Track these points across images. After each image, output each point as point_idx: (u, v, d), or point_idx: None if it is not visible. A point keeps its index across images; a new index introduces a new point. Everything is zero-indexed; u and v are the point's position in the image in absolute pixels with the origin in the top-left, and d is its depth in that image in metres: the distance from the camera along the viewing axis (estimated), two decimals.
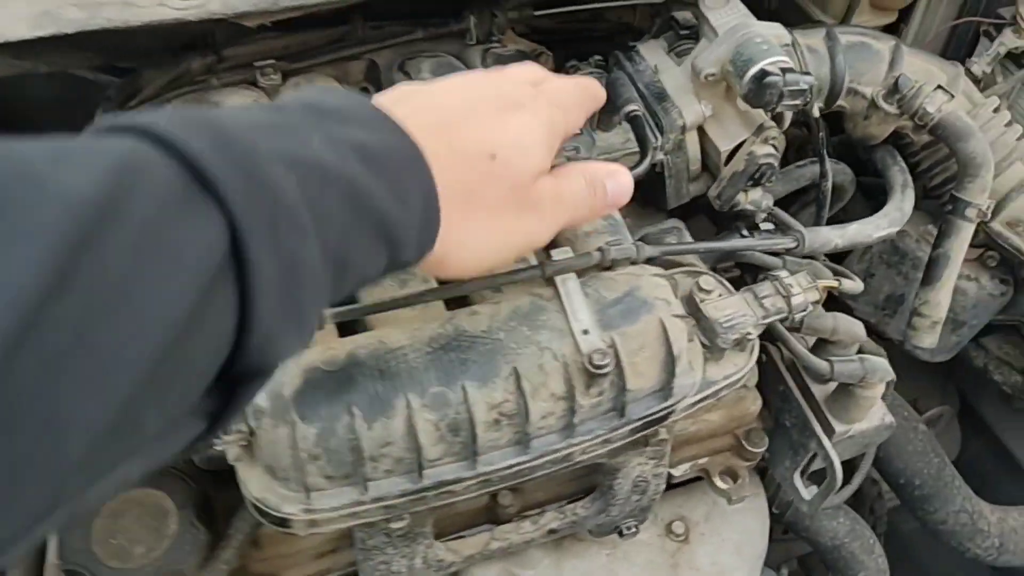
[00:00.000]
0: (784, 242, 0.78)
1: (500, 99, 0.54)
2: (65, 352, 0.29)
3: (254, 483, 0.64)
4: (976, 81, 1.01)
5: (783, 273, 0.74)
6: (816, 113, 0.81)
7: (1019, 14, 0.98)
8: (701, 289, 0.73)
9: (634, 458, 0.79)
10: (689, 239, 0.87)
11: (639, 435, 0.71)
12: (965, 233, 0.87)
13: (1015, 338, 1.09)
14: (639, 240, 0.86)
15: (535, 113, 0.55)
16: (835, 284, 0.77)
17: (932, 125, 0.85)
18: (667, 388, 0.68)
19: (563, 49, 0.96)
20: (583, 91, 0.61)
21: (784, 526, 1.11)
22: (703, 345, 0.72)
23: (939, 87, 0.83)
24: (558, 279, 0.67)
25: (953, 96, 0.84)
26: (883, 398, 1.01)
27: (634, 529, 0.88)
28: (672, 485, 0.99)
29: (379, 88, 0.87)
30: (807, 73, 0.77)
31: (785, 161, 0.91)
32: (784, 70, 0.76)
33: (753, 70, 0.76)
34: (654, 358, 0.67)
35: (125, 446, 0.34)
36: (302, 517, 0.63)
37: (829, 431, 0.87)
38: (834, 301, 1.09)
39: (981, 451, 1.48)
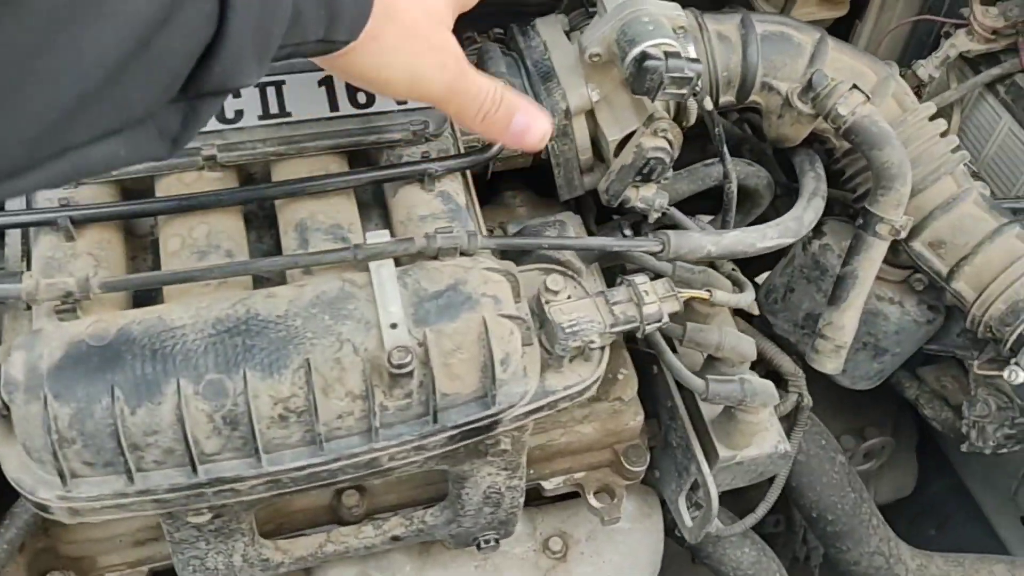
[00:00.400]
0: (646, 244, 0.70)
1: None
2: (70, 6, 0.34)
3: (12, 462, 0.58)
4: (922, 85, 0.92)
5: (640, 278, 0.66)
6: (709, 106, 0.73)
7: (973, 16, 0.89)
8: (548, 289, 0.66)
9: (482, 467, 0.72)
10: (574, 233, 0.80)
11: (464, 444, 0.64)
12: (875, 252, 0.79)
13: (957, 371, 1.00)
14: (519, 232, 0.79)
15: None
16: (702, 295, 0.69)
17: (845, 128, 0.76)
18: (489, 395, 0.61)
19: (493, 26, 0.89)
20: None
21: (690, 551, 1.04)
22: (545, 350, 0.66)
23: (855, 87, 0.75)
24: (372, 265, 0.61)
25: (869, 98, 0.75)
26: (797, 424, 0.93)
27: (492, 542, 0.81)
28: (555, 498, 0.93)
29: None
30: (695, 60, 0.69)
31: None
32: (668, 54, 0.68)
33: (634, 52, 0.69)
34: (472, 361, 0.60)
35: (111, 114, 0.38)
36: (60, 504, 0.57)
37: (712, 456, 0.80)
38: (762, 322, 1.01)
39: (941, 489, 1.39)
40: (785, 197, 0.93)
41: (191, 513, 0.64)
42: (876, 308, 0.88)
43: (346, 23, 0.50)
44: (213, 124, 0.66)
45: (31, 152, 0.37)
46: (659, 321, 0.65)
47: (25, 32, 0.33)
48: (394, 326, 0.59)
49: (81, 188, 0.66)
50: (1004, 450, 0.89)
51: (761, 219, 0.93)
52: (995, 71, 0.91)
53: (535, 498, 0.86)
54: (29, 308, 0.61)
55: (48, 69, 0.35)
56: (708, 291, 0.70)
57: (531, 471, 0.81)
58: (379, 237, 0.62)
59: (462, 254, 0.63)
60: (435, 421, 0.61)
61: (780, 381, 0.95)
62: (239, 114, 0.68)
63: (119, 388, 0.55)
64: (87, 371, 0.56)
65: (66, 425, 0.55)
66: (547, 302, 0.65)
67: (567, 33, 0.80)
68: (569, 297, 0.66)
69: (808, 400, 0.92)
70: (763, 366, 0.95)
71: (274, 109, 0.68)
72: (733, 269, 0.84)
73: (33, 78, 0.34)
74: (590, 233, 0.85)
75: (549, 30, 0.80)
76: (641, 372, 0.83)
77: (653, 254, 0.70)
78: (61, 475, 0.56)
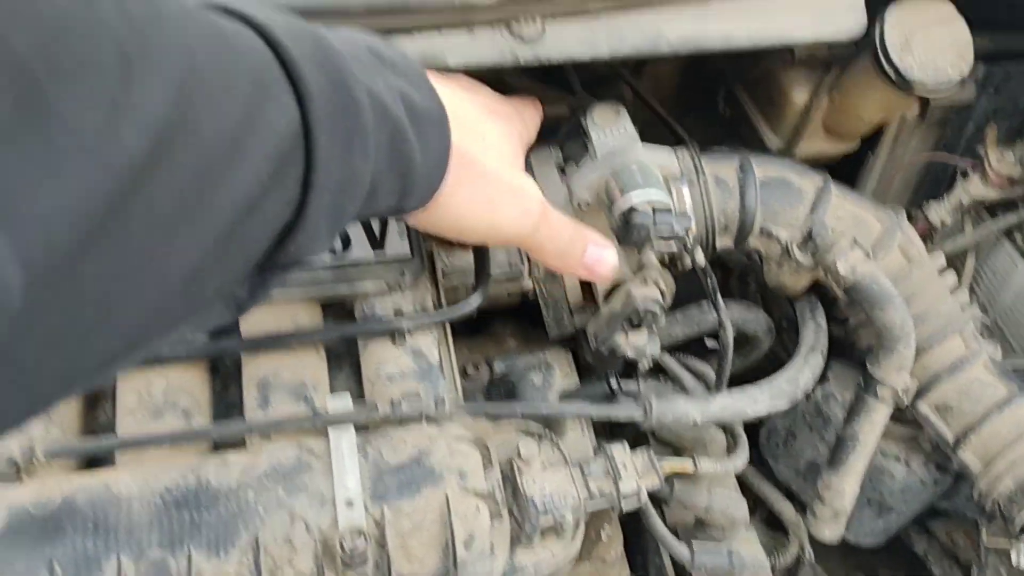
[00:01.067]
0: (628, 411, 0.67)
1: (489, 106, 0.62)
2: (167, 211, 0.33)
3: None
4: (933, 230, 0.89)
5: (618, 449, 0.63)
6: (701, 260, 0.70)
7: (987, 162, 0.86)
8: (520, 456, 0.62)
9: None
10: (561, 376, 0.77)
11: None
12: (877, 415, 0.75)
13: (969, 526, 0.95)
14: (501, 378, 0.77)
15: (509, 123, 0.62)
16: (685, 469, 0.66)
17: (845, 287, 0.73)
18: None
19: None
20: (536, 111, 0.68)
21: None
22: (516, 522, 0.62)
23: (855, 243, 0.72)
24: (332, 432, 0.58)
25: (869, 255, 0.72)
26: None
27: None
28: None
29: None
30: (685, 215, 0.66)
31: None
32: (656, 210, 0.66)
33: (622, 205, 0.66)
34: (432, 542, 0.57)
35: (188, 305, 0.37)
36: None
37: None
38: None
39: None
40: (792, 332, 0.90)
41: None
42: (882, 465, 0.83)
43: (419, 192, 0.51)
44: None
45: (104, 363, 0.35)
46: (637, 498, 0.62)
47: (115, 258, 0.32)
48: (350, 504, 0.56)
49: None
50: None
51: (765, 356, 0.90)
52: (1011, 218, 0.87)
53: None
54: None
55: (134, 287, 0.34)
56: (694, 462, 0.66)
57: None
58: (340, 401, 0.59)
59: (429, 419, 0.60)
60: None
61: (782, 527, 0.91)
62: None
63: (58, 563, 0.53)
64: (28, 542, 0.53)
65: None
66: (519, 471, 0.62)
67: (561, 167, 0.78)
68: (544, 464, 0.62)
69: (810, 554, 0.87)
70: (764, 509, 0.90)
71: None
72: None
73: (119, 298, 0.33)
74: (580, 369, 0.82)
75: (541, 166, 0.77)
76: (630, 521, 0.79)
77: (635, 422, 0.67)
78: None
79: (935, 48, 0.77)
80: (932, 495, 0.85)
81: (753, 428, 0.90)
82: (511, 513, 0.62)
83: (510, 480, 0.63)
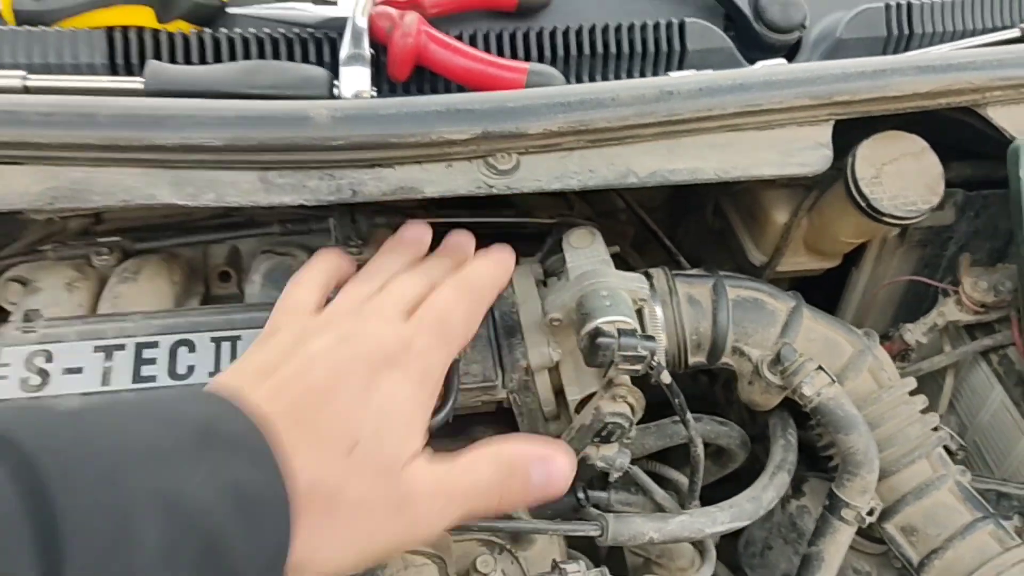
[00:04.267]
0: (583, 529, 0.69)
1: (370, 357, 0.52)
2: None
3: None
4: (909, 349, 0.90)
5: (573, 568, 0.65)
6: (667, 380, 0.73)
7: (963, 290, 0.88)
8: (476, 571, 0.65)
9: None
10: None
11: None
12: (841, 536, 0.76)
13: None
14: None
15: (407, 369, 0.53)
16: None
17: (811, 408, 0.75)
18: None
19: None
20: (500, 264, 0.64)
21: None
22: None
23: (820, 368, 0.74)
24: None
25: (834, 381, 0.74)
26: None
27: None
28: None
29: (239, 272, 0.84)
30: (650, 338, 0.69)
31: None
32: (622, 332, 0.69)
33: (588, 327, 0.70)
34: None
35: None
36: None
37: None
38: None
39: None
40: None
41: None
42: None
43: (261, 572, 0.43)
44: None
45: None
46: None
47: None
48: None
49: None
50: None
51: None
52: (987, 341, 0.88)
53: None
54: None
55: None
56: None
57: None
58: None
59: None
60: None
61: None
62: None
63: None
64: None
65: None
66: None
67: (542, 282, 0.82)
68: None
69: None
70: None
71: None
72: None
73: None
74: None
75: (521, 282, 0.81)
76: None
77: (591, 540, 0.69)
78: None
79: (905, 180, 0.80)
80: None
81: (732, 535, 0.91)
82: None
83: None
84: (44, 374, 0.66)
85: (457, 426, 0.88)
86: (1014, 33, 0.98)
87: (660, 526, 0.70)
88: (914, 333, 0.89)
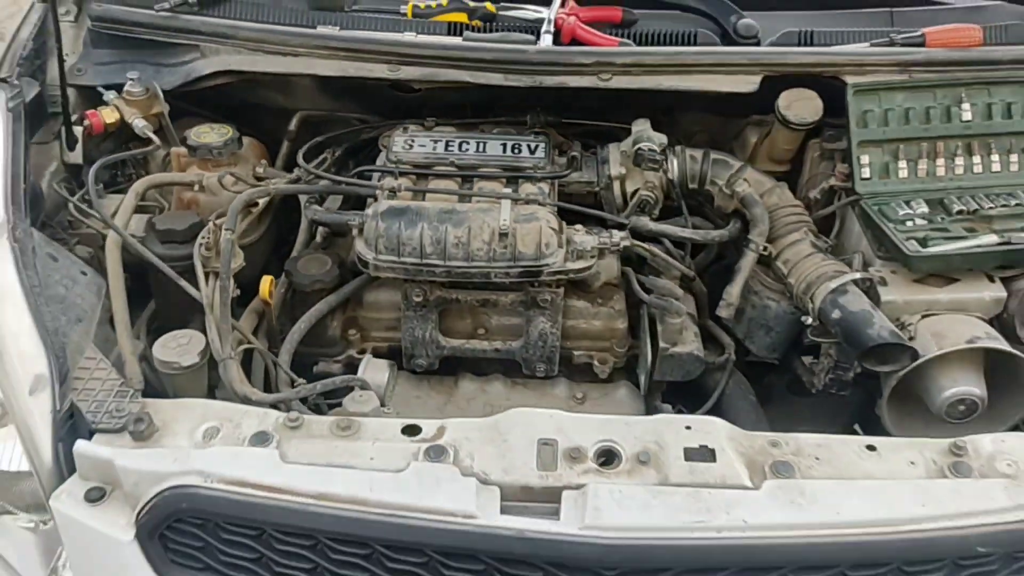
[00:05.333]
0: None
1: None
2: None
3: (359, 247, 1.55)
4: (812, 203, 1.74)
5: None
6: (674, 175, 1.64)
7: (838, 170, 1.71)
8: (570, 227, 1.56)
9: (537, 316, 1.59)
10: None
11: (525, 280, 1.52)
12: (749, 258, 1.61)
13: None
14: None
15: None
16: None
17: (739, 199, 1.63)
18: (540, 259, 1.51)
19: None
20: None
21: None
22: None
23: (745, 180, 1.62)
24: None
25: (750, 184, 1.62)
26: (724, 368, 1.69)
27: (542, 372, 1.65)
28: (577, 368, 1.70)
29: None
30: (661, 151, 1.59)
31: None
32: (651, 150, 1.60)
33: (638, 145, 1.62)
34: (532, 241, 1.50)
35: None
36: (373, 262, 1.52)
37: (655, 347, 1.60)
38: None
39: None
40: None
41: (416, 292, 1.56)
42: (765, 303, 1.66)
43: None
44: None
45: None
46: (616, 246, 1.53)
47: None
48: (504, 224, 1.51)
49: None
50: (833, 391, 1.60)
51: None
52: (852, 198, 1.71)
53: (567, 364, 1.68)
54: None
55: None
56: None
57: (566, 343, 1.65)
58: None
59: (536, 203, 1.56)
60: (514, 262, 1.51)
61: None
62: None
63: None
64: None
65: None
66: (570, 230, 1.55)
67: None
68: (581, 231, 1.55)
69: (732, 356, 1.69)
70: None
71: None
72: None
73: None
74: None
75: (613, 148, 1.74)
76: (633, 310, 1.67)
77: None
78: (375, 249, 1.52)
79: (802, 108, 1.68)
80: (795, 321, 1.64)
81: None
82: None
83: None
84: None
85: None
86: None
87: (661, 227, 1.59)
88: (814, 192, 1.74)
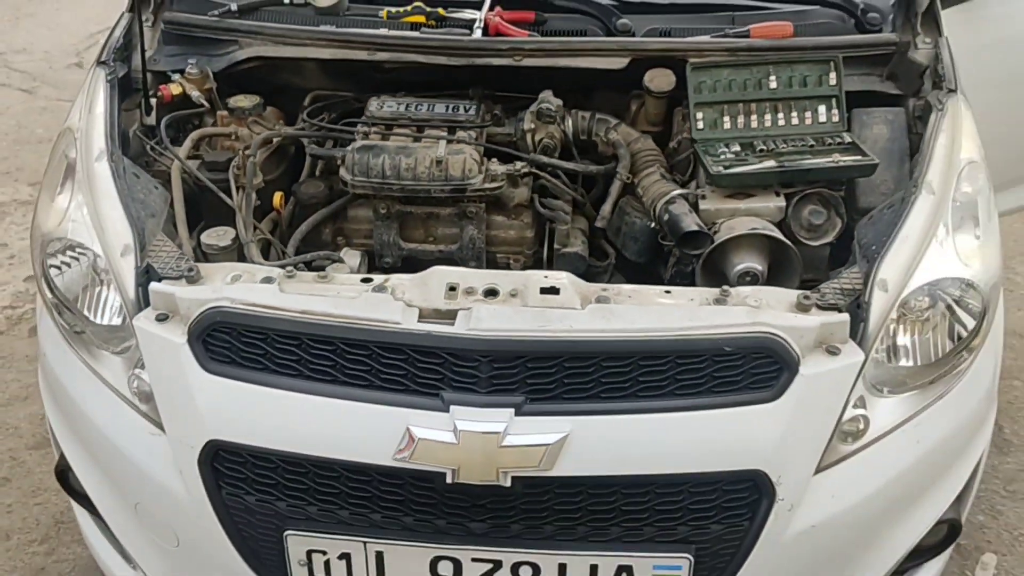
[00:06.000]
0: None
1: None
2: None
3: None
4: (674, 150, 2.40)
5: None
6: (569, 129, 2.31)
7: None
8: (489, 160, 2.24)
9: (467, 225, 2.26)
10: None
11: (456, 196, 2.20)
12: (616, 185, 2.27)
13: None
14: None
15: None
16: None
17: (611, 144, 2.30)
18: (465, 180, 2.18)
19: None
20: None
21: None
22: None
23: (616, 131, 2.29)
24: None
25: (622, 136, 2.29)
26: (607, 273, 2.35)
27: (473, 264, 2.31)
28: (498, 267, 2.35)
29: None
30: (558, 111, 2.27)
31: None
32: (547, 107, 2.29)
33: (539, 104, 2.30)
34: (459, 167, 2.18)
35: None
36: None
37: (551, 247, 2.26)
38: None
39: None
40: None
41: (381, 206, 2.25)
42: (633, 220, 2.32)
43: None
44: None
45: None
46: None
47: None
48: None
49: None
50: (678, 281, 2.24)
51: None
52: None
53: (492, 264, 2.34)
54: None
55: None
56: None
57: (490, 247, 2.32)
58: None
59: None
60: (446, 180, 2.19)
61: None
62: None
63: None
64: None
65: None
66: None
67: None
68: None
69: (612, 261, 2.35)
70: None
71: None
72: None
73: None
74: None
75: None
76: None
77: None
78: (352, 173, 2.21)
79: (657, 83, 2.35)
80: (654, 232, 2.27)
81: None
82: None
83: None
84: None
85: None
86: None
87: None
88: (673, 143, 2.40)
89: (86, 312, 2.09)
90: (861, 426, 1.91)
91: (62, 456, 2.26)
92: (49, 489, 3.17)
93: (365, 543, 1.89)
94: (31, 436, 3.41)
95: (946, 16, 2.62)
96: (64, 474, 2.28)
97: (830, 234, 2.17)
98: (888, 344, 1.94)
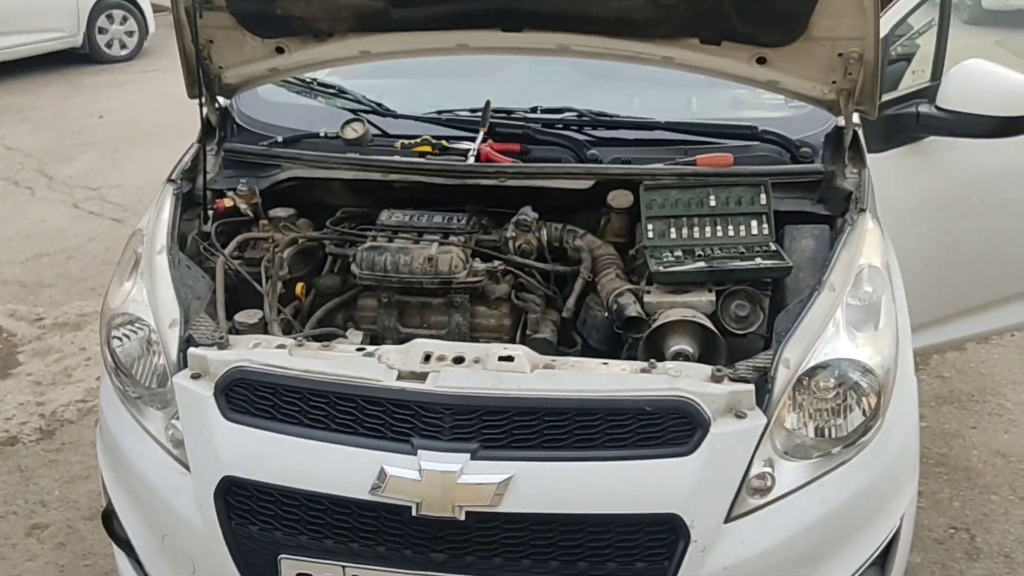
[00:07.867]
0: None
1: None
2: None
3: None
4: (634, 256, 2.83)
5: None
6: (545, 237, 2.77)
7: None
8: (473, 260, 2.70)
9: (454, 313, 2.70)
10: None
11: (443, 288, 2.66)
12: (579, 283, 2.70)
13: None
14: None
15: None
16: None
17: (576, 250, 2.74)
18: (451, 274, 2.65)
19: None
20: None
21: None
22: None
23: (581, 240, 2.74)
24: None
25: (582, 240, 2.74)
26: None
27: None
28: None
29: None
30: (534, 223, 2.74)
31: None
32: (524, 219, 2.76)
33: (518, 217, 2.78)
34: (446, 264, 2.65)
35: None
36: None
37: (524, 333, 2.68)
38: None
39: None
40: None
41: (383, 296, 2.71)
42: (595, 313, 2.72)
43: None
44: None
45: None
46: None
47: None
48: None
49: None
50: None
51: None
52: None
53: None
54: None
55: None
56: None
57: (473, 333, 2.74)
58: None
59: None
60: None
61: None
62: None
63: None
64: None
65: None
66: None
67: None
68: None
69: (579, 348, 2.75)
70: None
71: None
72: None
73: None
74: None
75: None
76: None
77: None
78: (361, 268, 2.69)
79: (620, 200, 2.81)
80: (611, 323, 2.67)
81: None
82: None
83: None
84: None
85: None
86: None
87: None
88: (633, 251, 2.83)
89: (139, 378, 2.57)
90: (768, 483, 2.23)
91: (109, 502, 2.69)
92: (98, 554, 3.60)
93: (344, 567, 2.25)
94: (88, 509, 3.86)
95: (898, 159, 3.12)
96: (108, 518, 2.70)
97: (755, 325, 2.54)
98: (796, 418, 2.27)
